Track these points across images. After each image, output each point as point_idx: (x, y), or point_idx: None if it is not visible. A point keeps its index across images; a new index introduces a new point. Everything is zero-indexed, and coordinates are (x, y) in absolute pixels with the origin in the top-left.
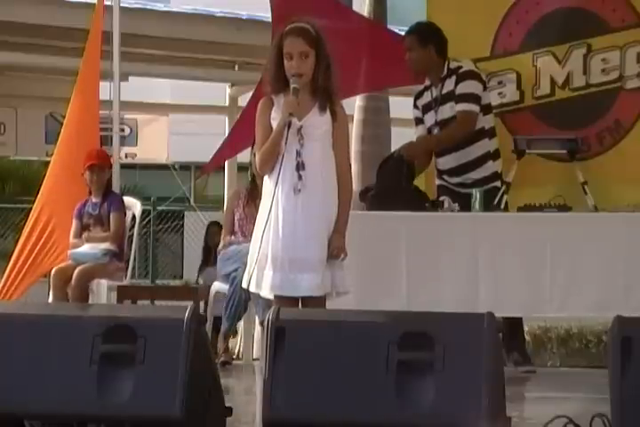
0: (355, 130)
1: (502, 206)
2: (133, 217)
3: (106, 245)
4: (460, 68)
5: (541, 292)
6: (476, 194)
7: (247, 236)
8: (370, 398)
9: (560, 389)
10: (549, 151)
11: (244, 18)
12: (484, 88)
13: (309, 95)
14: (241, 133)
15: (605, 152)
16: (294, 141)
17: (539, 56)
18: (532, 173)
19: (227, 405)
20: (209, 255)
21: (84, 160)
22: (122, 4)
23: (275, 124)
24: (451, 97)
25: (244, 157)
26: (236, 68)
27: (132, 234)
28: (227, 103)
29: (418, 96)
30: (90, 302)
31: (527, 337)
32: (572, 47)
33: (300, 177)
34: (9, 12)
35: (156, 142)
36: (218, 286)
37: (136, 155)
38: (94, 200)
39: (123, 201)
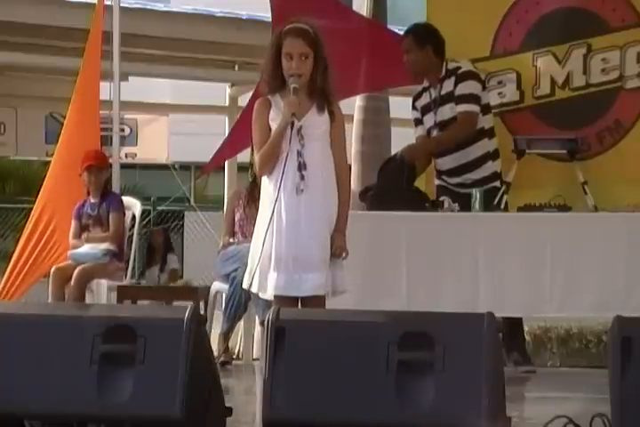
0: (355, 130)
1: (502, 206)
2: (133, 217)
3: (105, 246)
4: (458, 68)
5: (541, 292)
6: (476, 194)
7: (247, 236)
8: (370, 398)
9: (560, 389)
10: (549, 151)
11: (244, 18)
12: (484, 88)
13: (307, 96)
14: (241, 133)
15: (605, 152)
16: (295, 142)
17: (539, 56)
18: (531, 172)
19: (227, 405)
20: (152, 256)
21: (82, 161)
22: (122, 4)
23: (273, 124)
24: (450, 98)
25: (244, 157)
26: (236, 68)
27: (132, 234)
28: (227, 103)
29: (416, 97)
30: (89, 301)
31: (527, 337)
32: (572, 47)
33: (302, 177)
34: (9, 12)
35: (155, 142)
36: (218, 286)
37: (136, 155)
38: (93, 201)
39: (121, 201)
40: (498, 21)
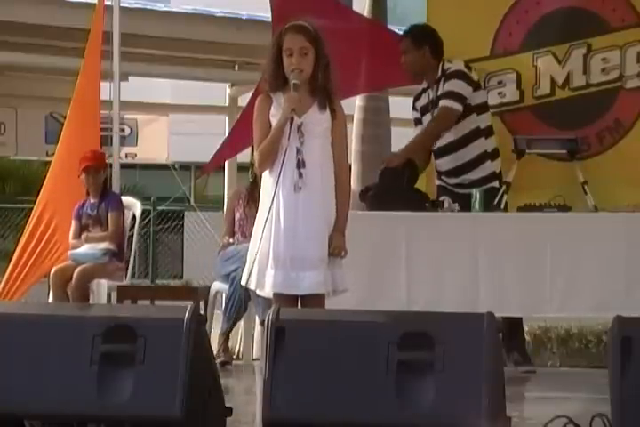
0: (355, 130)
1: (502, 206)
2: (133, 217)
3: (105, 245)
4: (449, 68)
5: (541, 292)
6: (476, 194)
7: (247, 236)
8: (370, 398)
9: (560, 389)
10: (549, 151)
11: (244, 18)
12: (476, 88)
13: (309, 93)
14: (241, 133)
15: (605, 152)
16: (295, 139)
17: (539, 56)
18: (532, 172)
19: (227, 405)
20: None
21: (79, 162)
22: (122, 4)
23: (274, 120)
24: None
25: (244, 156)
26: (236, 68)
27: (132, 234)
28: (227, 103)
29: (417, 98)
30: (90, 301)
31: (527, 337)
32: (572, 47)
33: (300, 175)
34: (9, 12)
35: (155, 142)
36: (218, 285)
37: (136, 155)
38: (92, 201)
39: (121, 201)
40: (498, 21)
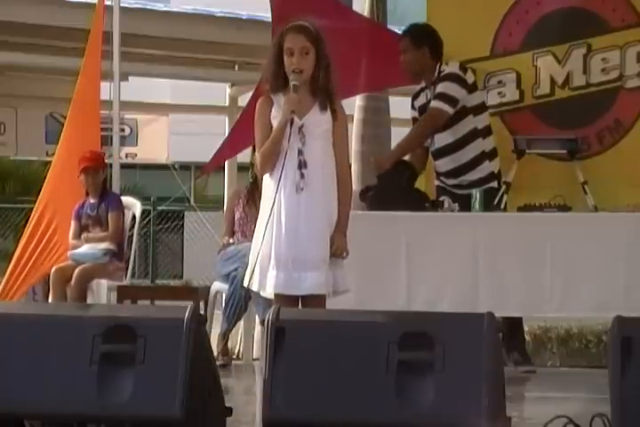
0: (355, 130)
1: (502, 206)
2: (133, 217)
3: (105, 245)
4: (443, 71)
5: (541, 292)
6: (476, 194)
7: (247, 236)
8: (370, 398)
9: (560, 389)
10: (549, 151)
11: (244, 18)
12: (471, 90)
13: (310, 94)
14: (241, 133)
15: (605, 151)
16: (296, 140)
17: (539, 56)
18: (532, 172)
19: (227, 405)
20: None
21: (78, 163)
22: (122, 4)
23: (275, 122)
24: None
25: (244, 156)
26: (236, 68)
27: (132, 234)
28: (227, 103)
29: (415, 96)
30: (89, 301)
31: (527, 337)
32: (572, 47)
33: (302, 175)
34: (9, 12)
35: (156, 142)
36: (218, 285)
37: (136, 155)
38: (92, 201)
39: (120, 200)
40: (498, 21)
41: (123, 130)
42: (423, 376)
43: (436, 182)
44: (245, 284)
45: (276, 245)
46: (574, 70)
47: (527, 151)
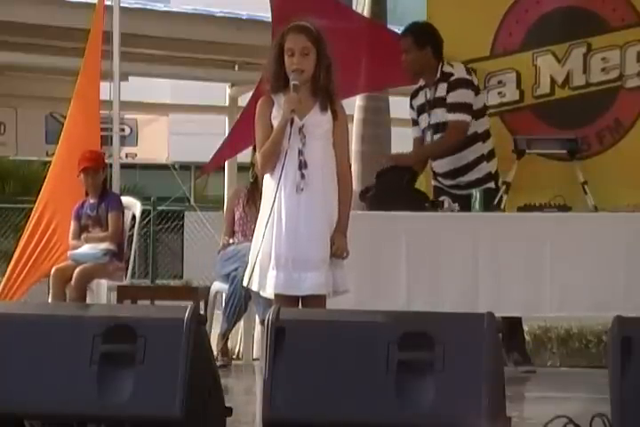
0: (355, 130)
1: (502, 207)
2: (133, 217)
3: (105, 245)
4: (451, 75)
5: (541, 292)
6: (476, 194)
7: (247, 236)
8: (370, 398)
9: (560, 389)
10: (549, 151)
11: (244, 18)
12: (477, 93)
13: (310, 94)
14: (241, 133)
15: (605, 151)
16: (296, 140)
17: (538, 55)
18: (532, 172)
19: (227, 405)
20: None
21: (78, 163)
22: (122, 4)
23: (276, 122)
24: (442, 104)
25: (244, 156)
26: (236, 68)
27: (132, 234)
28: (227, 103)
29: (413, 95)
30: (89, 301)
31: (527, 337)
32: (572, 46)
33: (302, 176)
34: (9, 12)
35: (156, 142)
36: (218, 285)
37: (136, 155)
38: (92, 201)
39: (120, 200)
40: (498, 21)
41: (123, 130)
42: (423, 376)
43: (433, 183)
44: (245, 284)
45: (276, 246)
46: (574, 70)
47: (527, 151)
